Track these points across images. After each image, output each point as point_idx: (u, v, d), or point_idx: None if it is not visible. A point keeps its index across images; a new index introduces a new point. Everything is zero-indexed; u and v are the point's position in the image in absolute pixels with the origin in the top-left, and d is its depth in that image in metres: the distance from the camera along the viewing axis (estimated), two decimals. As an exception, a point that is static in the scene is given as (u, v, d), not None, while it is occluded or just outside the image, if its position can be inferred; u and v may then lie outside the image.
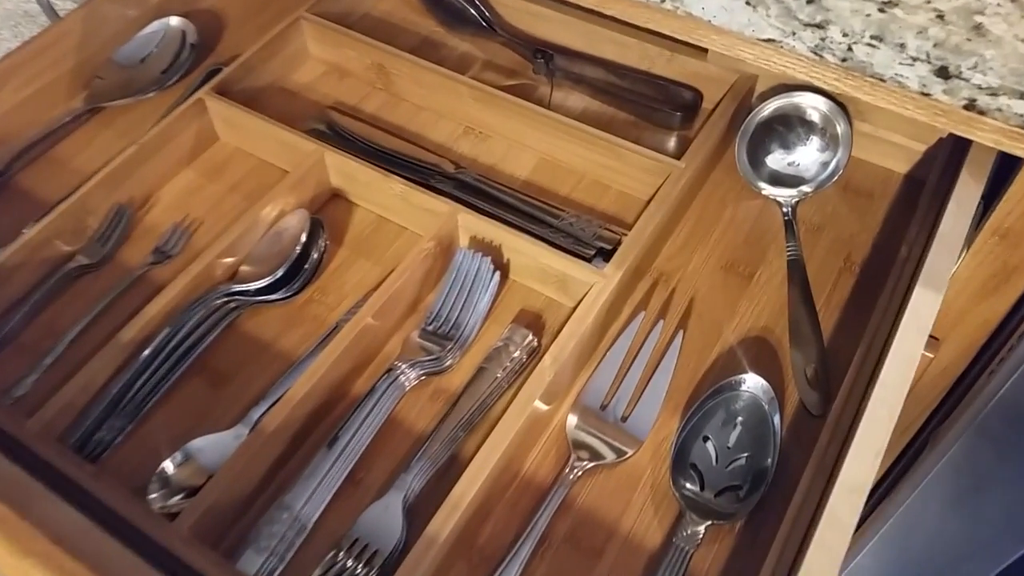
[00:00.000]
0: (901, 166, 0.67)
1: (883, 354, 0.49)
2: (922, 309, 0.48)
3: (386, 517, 0.49)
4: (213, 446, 0.52)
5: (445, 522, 0.46)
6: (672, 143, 0.69)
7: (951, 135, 0.62)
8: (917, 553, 0.82)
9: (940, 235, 0.51)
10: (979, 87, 0.46)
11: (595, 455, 0.52)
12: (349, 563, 0.47)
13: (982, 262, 0.58)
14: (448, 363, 0.56)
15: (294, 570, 0.48)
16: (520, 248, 0.59)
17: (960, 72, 0.46)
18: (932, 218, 0.56)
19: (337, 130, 0.69)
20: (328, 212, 0.65)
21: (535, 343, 0.57)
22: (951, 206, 0.53)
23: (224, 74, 0.70)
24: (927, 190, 0.63)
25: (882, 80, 0.49)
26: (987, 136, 0.50)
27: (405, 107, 0.73)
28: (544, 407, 0.53)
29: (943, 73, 0.47)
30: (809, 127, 0.65)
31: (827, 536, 0.40)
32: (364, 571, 0.47)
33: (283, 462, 0.52)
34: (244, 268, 0.60)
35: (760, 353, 0.58)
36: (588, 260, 0.60)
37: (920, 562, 0.82)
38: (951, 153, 0.60)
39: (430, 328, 0.57)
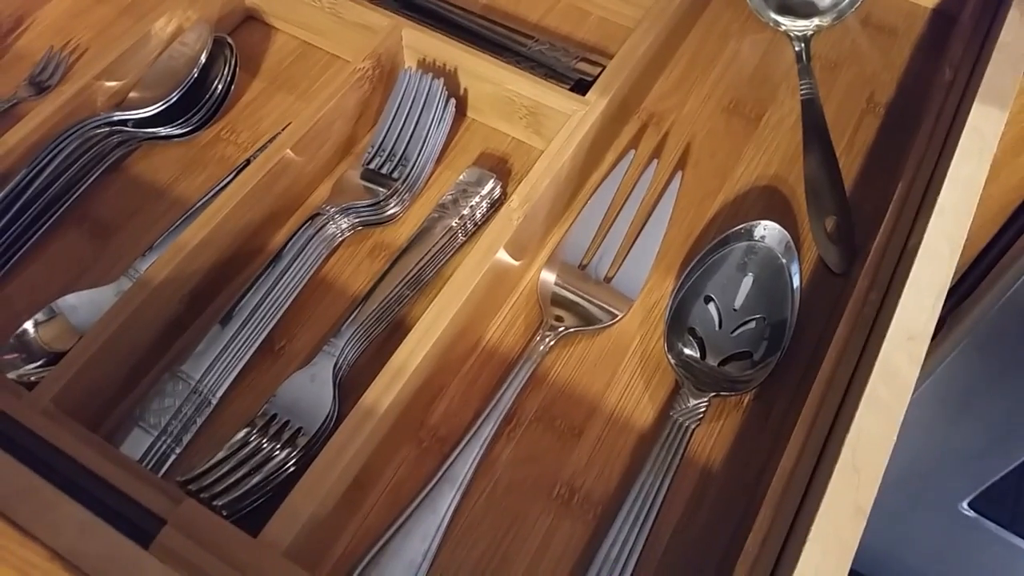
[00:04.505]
0: (929, -1, 0.57)
1: (932, 184, 0.40)
2: (984, 127, 0.38)
3: (312, 388, 0.39)
4: (89, 303, 0.40)
5: (386, 391, 0.36)
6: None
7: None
8: (908, 454, 0.75)
9: (1001, 45, 0.41)
10: None
11: (575, 319, 0.42)
12: (264, 443, 0.37)
13: (1030, 100, 0.49)
14: (391, 210, 0.45)
15: (194, 455, 0.38)
16: (481, 72, 0.47)
17: None
18: (982, 35, 0.46)
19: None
20: (241, 38, 0.53)
21: (499, 191, 0.46)
22: (1012, 13, 0.43)
23: None
24: (962, 26, 0.53)
25: None
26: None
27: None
28: (511, 261, 0.43)
29: None
30: (829, -60, 0.54)
31: (882, 391, 0.31)
32: (284, 452, 0.36)
33: (180, 327, 0.42)
34: (132, 94, 0.47)
35: (771, 204, 0.48)
36: (564, 93, 0.49)
37: (909, 464, 0.74)
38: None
39: (372, 165, 0.46)
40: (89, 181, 0.45)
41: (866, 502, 0.30)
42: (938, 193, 0.37)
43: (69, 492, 0.30)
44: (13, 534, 0.26)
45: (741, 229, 0.43)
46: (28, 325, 0.39)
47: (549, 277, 0.44)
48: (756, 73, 0.54)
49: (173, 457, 0.37)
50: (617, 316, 0.43)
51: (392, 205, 0.45)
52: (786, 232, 0.43)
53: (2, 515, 0.28)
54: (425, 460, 0.39)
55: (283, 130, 0.45)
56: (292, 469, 0.36)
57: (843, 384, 0.34)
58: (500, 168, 0.49)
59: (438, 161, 0.48)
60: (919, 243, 0.36)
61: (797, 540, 0.30)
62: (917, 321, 0.33)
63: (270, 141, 0.45)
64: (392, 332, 0.42)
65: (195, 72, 0.47)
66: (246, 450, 0.36)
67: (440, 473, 0.38)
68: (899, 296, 0.34)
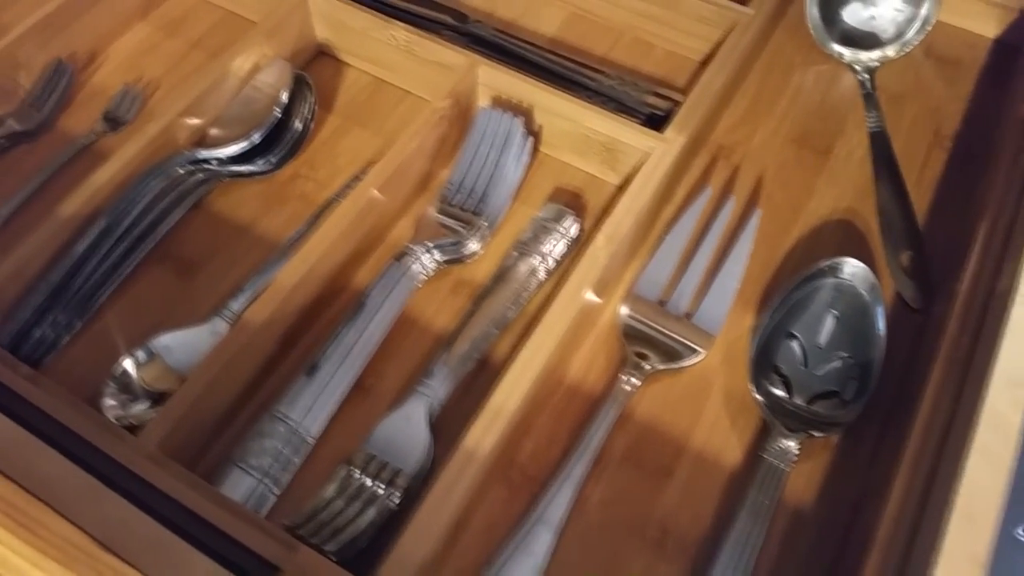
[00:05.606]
0: (991, 29, 0.57)
1: (1017, 225, 0.40)
2: (1074, 169, 0.39)
3: (408, 430, 0.39)
4: (184, 344, 0.41)
5: (485, 434, 0.37)
6: (724, -1, 0.58)
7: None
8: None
9: (1085, 84, 0.42)
10: None
11: (657, 355, 0.43)
12: (368, 482, 0.37)
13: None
14: (472, 249, 0.46)
15: (293, 495, 0.38)
16: (557, 109, 0.48)
17: None
18: (1060, 72, 0.46)
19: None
20: (313, 73, 0.53)
21: (577, 229, 0.47)
22: (1094, 52, 0.43)
23: (182, -93, 0.57)
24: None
25: None
26: None
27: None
28: (595, 299, 0.43)
29: None
30: (895, -26, 0.54)
31: (989, 440, 0.31)
32: (386, 493, 0.37)
33: (272, 367, 0.42)
34: (213, 131, 0.48)
35: (846, 238, 0.48)
36: (638, 129, 0.50)
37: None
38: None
39: (452, 202, 0.46)
40: (174, 219, 0.46)
41: (983, 552, 0.30)
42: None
43: (186, 539, 0.31)
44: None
45: (825, 267, 0.44)
46: (127, 363, 0.40)
47: (629, 313, 0.44)
48: (822, 105, 0.54)
49: (272, 499, 0.38)
50: (700, 353, 0.43)
51: (473, 242, 0.45)
52: (871, 271, 0.43)
53: (136, 567, 0.28)
54: (516, 499, 0.40)
55: (365, 169, 0.45)
56: (395, 510, 0.37)
57: (939, 429, 0.34)
58: (574, 203, 0.49)
59: (516, 194, 0.48)
60: (1010, 287, 0.36)
61: (912, 589, 0.30)
62: (1020, 367, 0.33)
63: (354, 179, 0.46)
64: (479, 371, 0.43)
65: (277, 111, 0.47)
66: (349, 491, 0.37)
67: (535, 515, 0.38)
68: (994, 341, 0.34)
